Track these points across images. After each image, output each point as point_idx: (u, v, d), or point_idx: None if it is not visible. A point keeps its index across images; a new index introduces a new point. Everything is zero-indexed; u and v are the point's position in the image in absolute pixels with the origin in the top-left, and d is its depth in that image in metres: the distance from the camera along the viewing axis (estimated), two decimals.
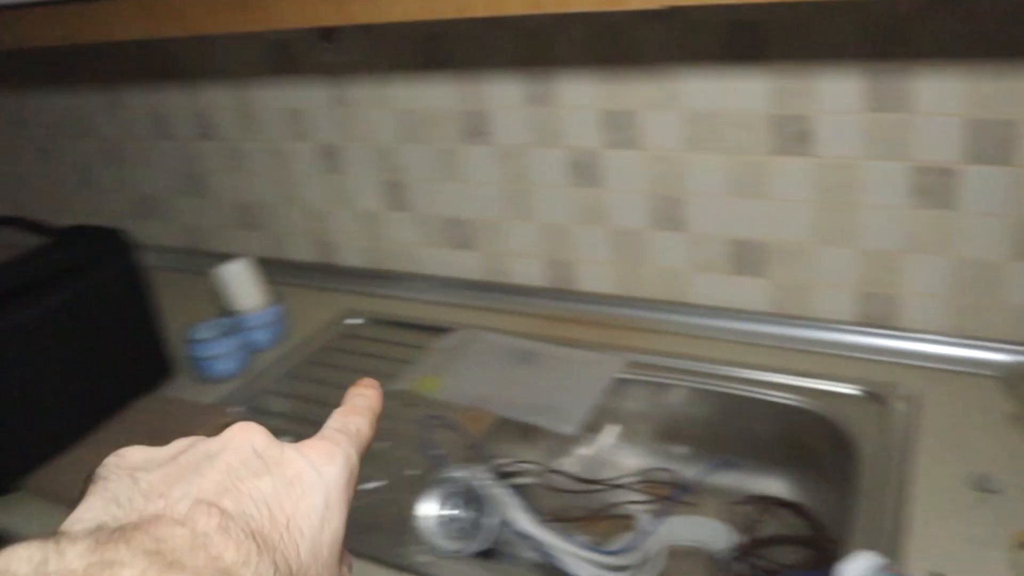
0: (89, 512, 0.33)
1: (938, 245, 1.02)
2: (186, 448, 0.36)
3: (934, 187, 0.99)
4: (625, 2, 0.74)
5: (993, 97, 0.92)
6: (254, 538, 0.32)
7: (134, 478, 0.34)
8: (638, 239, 1.17)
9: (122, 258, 1.12)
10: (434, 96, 1.22)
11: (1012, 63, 0.91)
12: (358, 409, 0.42)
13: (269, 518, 0.34)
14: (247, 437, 0.36)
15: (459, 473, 0.91)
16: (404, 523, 0.89)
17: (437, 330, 1.25)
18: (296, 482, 0.35)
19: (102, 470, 0.35)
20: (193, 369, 1.20)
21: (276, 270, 1.41)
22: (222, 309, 1.27)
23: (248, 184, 1.49)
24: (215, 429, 0.36)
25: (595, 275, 1.23)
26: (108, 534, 0.30)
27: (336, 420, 0.41)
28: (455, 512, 0.90)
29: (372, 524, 0.89)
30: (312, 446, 0.38)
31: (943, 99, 0.94)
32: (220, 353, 1.19)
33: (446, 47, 1.18)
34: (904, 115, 0.97)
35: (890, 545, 0.79)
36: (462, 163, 1.25)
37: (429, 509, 0.90)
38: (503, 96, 1.17)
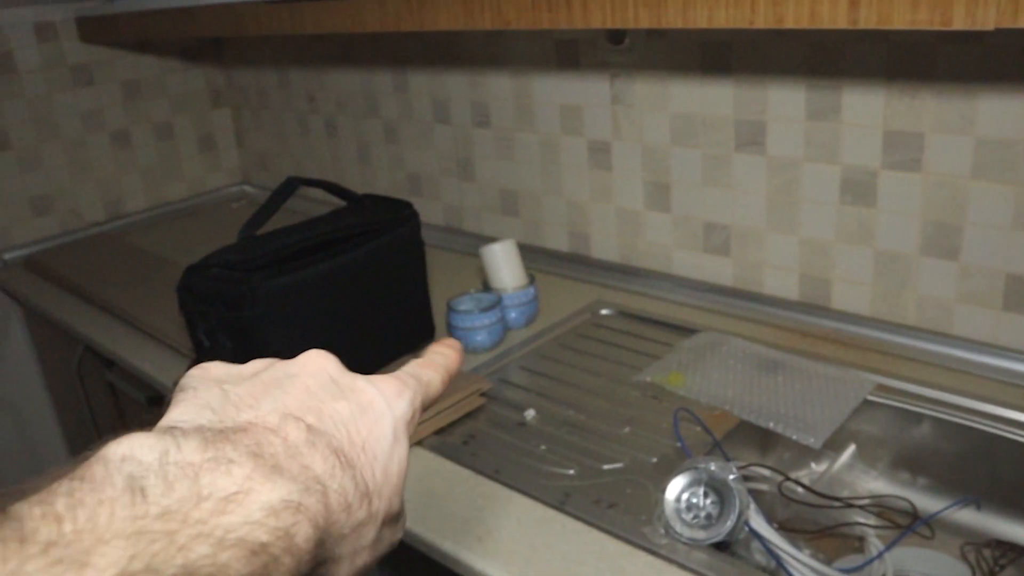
0: (185, 415, 0.34)
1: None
2: (266, 367, 0.38)
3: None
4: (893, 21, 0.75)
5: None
6: (336, 455, 0.34)
7: (223, 389, 0.36)
8: (904, 263, 1.15)
9: (409, 226, 1.23)
10: (711, 101, 1.26)
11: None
12: (434, 364, 0.44)
13: (347, 439, 0.36)
14: (322, 363, 0.38)
15: (706, 465, 0.94)
16: (642, 505, 0.93)
17: (685, 330, 1.28)
18: (369, 409, 0.37)
19: (189, 380, 0.37)
20: (451, 338, 1.29)
21: (532, 256, 1.49)
22: (483, 285, 1.37)
23: (515, 172, 1.58)
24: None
25: (852, 295, 1.22)
26: (215, 434, 0.32)
27: (412, 366, 0.43)
28: (697, 501, 0.93)
29: (611, 502, 0.94)
30: (384, 380, 0.40)
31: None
32: (478, 325, 1.27)
33: (730, 54, 1.21)
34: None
35: None
36: (731, 170, 1.28)
37: (673, 493, 0.93)
38: (781, 106, 1.19)
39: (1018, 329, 1.09)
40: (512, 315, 1.34)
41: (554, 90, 1.45)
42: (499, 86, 1.53)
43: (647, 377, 1.16)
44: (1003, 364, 1.10)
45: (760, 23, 0.83)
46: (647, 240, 1.43)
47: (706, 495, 0.93)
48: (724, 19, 0.85)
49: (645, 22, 0.90)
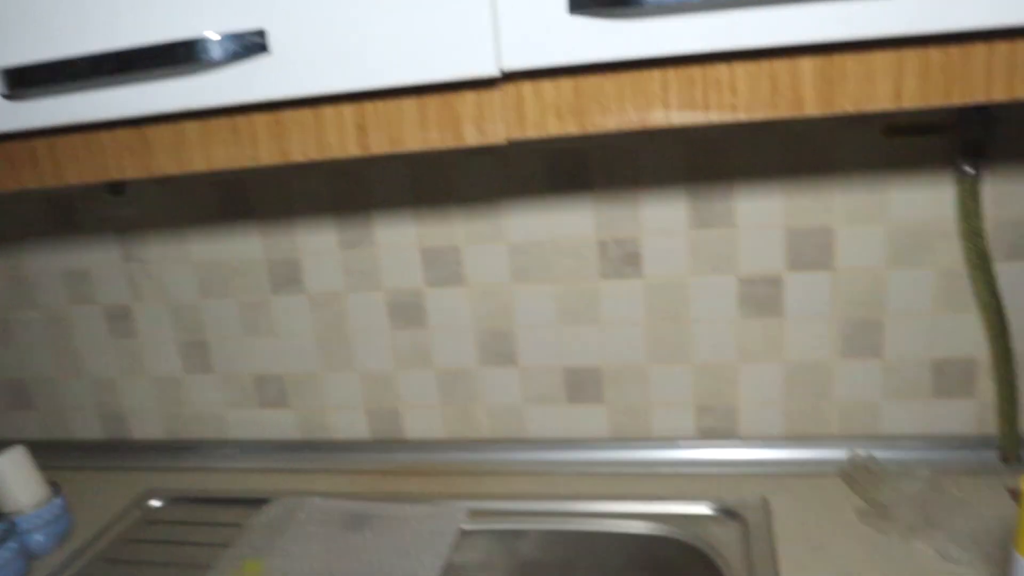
0: None
1: (769, 352, 1.04)
2: None
3: (761, 296, 1.02)
4: (462, 139, 0.72)
5: (809, 208, 0.98)
6: None
7: None
8: (467, 378, 1.12)
9: None
10: (237, 247, 1.14)
11: (822, 176, 0.97)
12: None
13: None
14: None
15: None
16: None
17: (254, 502, 1.12)
18: None
19: None
20: None
21: (56, 454, 1.25)
22: None
23: (19, 358, 1.31)
24: None
25: (424, 421, 1.16)
26: None
27: None
28: None
29: None
30: None
31: (764, 213, 0.99)
32: None
33: (249, 193, 1.11)
34: (728, 230, 1.00)
35: None
36: (272, 315, 1.16)
37: None
38: (315, 242, 1.11)
39: (586, 419, 1.11)
40: (36, 539, 1.07)
41: (53, 256, 1.23)
42: None
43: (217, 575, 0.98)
44: (580, 456, 1.10)
45: (265, 159, 0.73)
46: (193, 407, 1.25)
47: None
48: (224, 159, 0.74)
49: (133, 172, 0.77)
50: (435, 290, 1.09)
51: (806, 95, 0.64)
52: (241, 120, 0.71)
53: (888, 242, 0.97)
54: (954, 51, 0.62)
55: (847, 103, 0.65)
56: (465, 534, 1.02)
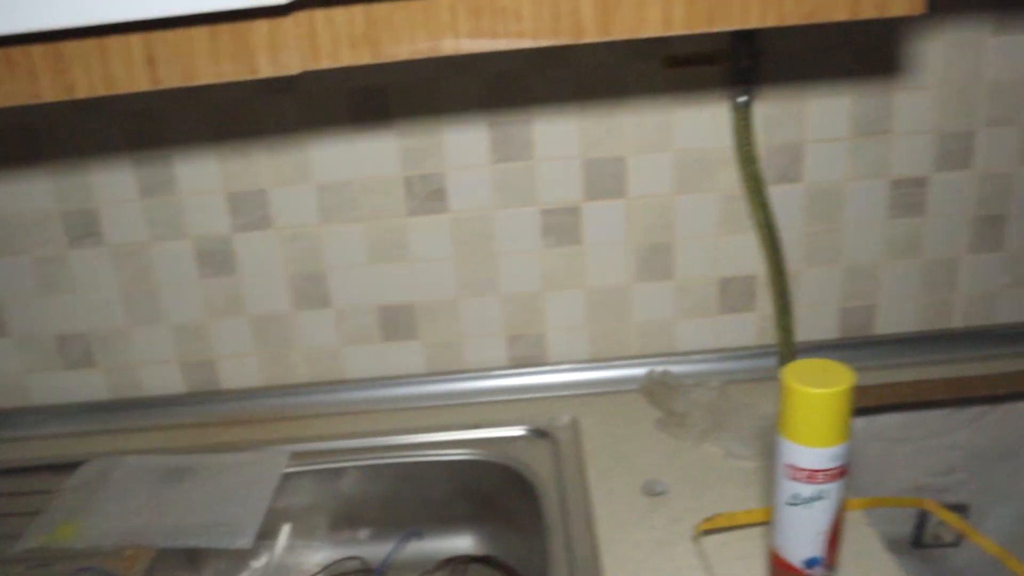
0: None
1: (572, 280, 1.10)
2: None
3: (562, 226, 1.07)
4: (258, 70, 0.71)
5: (603, 139, 1.03)
6: None
7: None
8: (282, 323, 1.12)
9: None
10: (27, 197, 1.08)
11: (615, 106, 1.02)
12: None
13: None
14: None
15: None
16: None
17: (65, 467, 1.08)
18: None
19: None
20: None
21: None
22: None
23: None
24: None
25: (240, 370, 1.15)
26: None
27: None
28: None
29: None
30: None
31: (561, 145, 1.04)
32: None
33: (38, 137, 1.06)
34: (528, 162, 1.04)
35: (590, 569, 0.81)
36: (70, 271, 1.11)
37: None
38: (113, 190, 1.07)
39: (402, 356, 1.13)
40: None
41: None
42: None
43: (30, 542, 0.94)
44: (398, 392, 1.13)
45: (48, 95, 0.70)
46: None
47: None
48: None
49: None
50: (243, 235, 1.08)
51: (585, 22, 0.68)
52: (17, 52, 0.68)
53: (675, 169, 1.05)
54: None
55: (623, 29, 0.69)
56: (288, 477, 1.03)
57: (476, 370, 1.13)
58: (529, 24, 0.68)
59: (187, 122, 1.04)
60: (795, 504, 0.71)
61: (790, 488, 0.71)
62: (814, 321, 1.12)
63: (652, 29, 0.69)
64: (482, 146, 1.03)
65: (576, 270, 1.09)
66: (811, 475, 0.69)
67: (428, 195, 1.05)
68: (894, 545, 1.30)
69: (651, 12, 0.68)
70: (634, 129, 1.03)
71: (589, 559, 0.82)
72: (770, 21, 0.69)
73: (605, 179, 1.05)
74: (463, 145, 1.03)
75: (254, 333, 1.13)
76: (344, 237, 1.07)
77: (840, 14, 0.69)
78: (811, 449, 0.69)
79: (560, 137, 1.03)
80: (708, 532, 0.84)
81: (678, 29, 0.69)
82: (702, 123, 1.03)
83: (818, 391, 0.67)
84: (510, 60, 1.00)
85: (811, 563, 0.73)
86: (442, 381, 1.13)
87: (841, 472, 0.70)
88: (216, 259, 1.09)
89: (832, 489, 0.70)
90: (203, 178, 1.06)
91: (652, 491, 0.92)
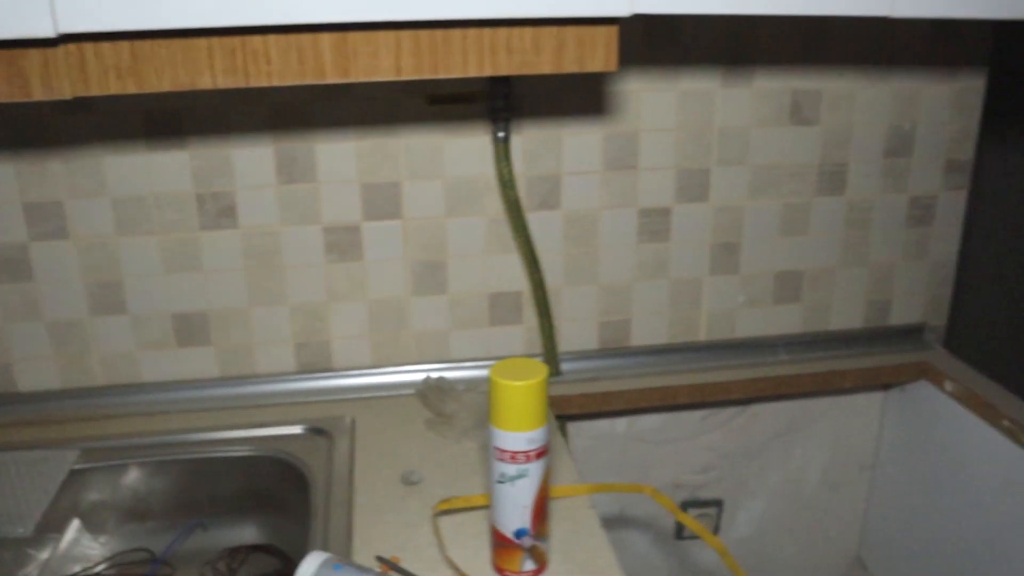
0: None
1: (355, 292, 1.20)
2: None
3: (344, 243, 1.17)
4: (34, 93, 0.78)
5: (380, 165, 1.14)
6: None
7: None
8: (79, 328, 1.17)
9: None
10: None
11: (390, 136, 1.13)
12: None
13: None
14: None
15: None
16: None
17: None
18: None
19: None
20: None
21: None
22: None
23: None
24: None
25: (37, 373, 1.19)
26: None
27: None
28: None
29: None
30: None
31: (342, 168, 1.14)
32: None
33: None
34: (312, 184, 1.14)
35: (342, 547, 0.90)
36: None
37: None
38: None
39: (196, 361, 1.20)
40: None
41: None
42: None
43: None
44: (191, 395, 1.20)
45: None
46: None
47: None
48: None
49: None
50: (41, 244, 1.13)
51: (327, 65, 0.79)
52: None
53: (445, 194, 1.16)
54: (438, 34, 0.80)
55: (360, 73, 0.80)
56: (78, 473, 1.08)
57: (266, 375, 1.21)
58: (277, 66, 0.78)
59: None
60: (502, 482, 0.83)
61: (498, 468, 0.82)
62: (576, 333, 1.26)
63: (385, 74, 0.80)
64: (269, 168, 1.12)
65: (358, 283, 1.19)
66: (513, 456, 0.81)
67: (219, 212, 1.13)
68: (659, 537, 1.46)
69: (383, 60, 0.79)
70: (407, 157, 1.14)
71: (342, 539, 0.92)
72: (487, 71, 0.81)
73: (382, 202, 1.16)
74: (252, 167, 1.12)
75: (51, 338, 1.18)
76: (140, 248, 1.14)
77: (546, 67, 0.82)
78: (512, 433, 0.81)
79: (341, 162, 1.13)
80: (445, 512, 0.95)
81: (408, 75, 0.81)
82: (469, 154, 1.15)
83: (515, 383, 0.79)
84: (294, 91, 1.10)
85: (520, 533, 0.84)
86: (234, 385, 1.20)
87: (540, 453, 0.82)
88: (12, 266, 1.14)
89: (532, 468, 0.82)
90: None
91: (409, 480, 1.02)
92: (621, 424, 1.33)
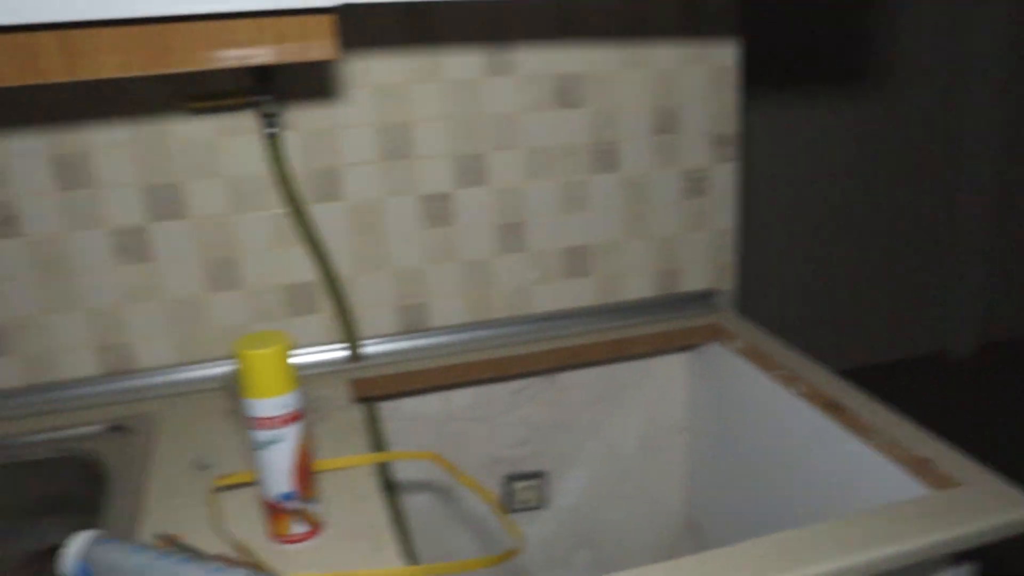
0: None
1: (152, 293, 1.23)
2: None
3: (132, 245, 1.21)
4: None
5: (159, 165, 1.19)
6: None
7: None
8: None
9: None
10: None
11: (166, 136, 1.18)
12: None
13: None
14: None
15: None
16: None
17: None
18: None
19: None
20: None
21: None
22: None
23: None
24: None
25: None
26: None
27: None
28: None
29: None
30: None
31: (120, 171, 1.17)
32: None
33: None
34: (92, 189, 1.18)
35: (126, 530, 0.94)
36: None
37: None
38: None
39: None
40: None
41: None
42: None
43: None
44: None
45: None
46: None
47: None
48: None
49: None
50: None
51: (52, 65, 0.84)
52: None
53: (231, 192, 1.22)
54: (160, 29, 0.85)
55: (87, 71, 0.86)
56: None
57: (70, 381, 1.24)
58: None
59: None
60: (260, 449, 0.88)
61: (254, 436, 0.87)
62: (376, 319, 1.32)
63: (111, 72, 0.85)
64: (47, 174, 1.16)
65: (155, 283, 1.23)
66: (263, 422, 0.86)
67: (1, 221, 1.16)
68: (489, 511, 1.52)
69: (109, 57, 0.85)
70: (184, 157, 1.19)
71: (127, 522, 0.96)
72: (214, 64, 0.87)
73: (165, 203, 1.20)
74: (29, 173, 1.15)
75: None
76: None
77: (270, 58, 0.89)
78: (260, 401, 0.86)
79: (119, 164, 1.17)
80: (227, 489, 1.00)
81: (136, 71, 0.86)
82: (246, 152, 1.21)
83: (255, 352, 0.84)
84: (69, 95, 1.13)
85: (286, 497, 0.89)
86: (36, 392, 1.22)
87: (292, 418, 0.87)
88: None
89: (287, 432, 0.87)
90: None
91: (202, 465, 1.07)
92: (433, 403, 1.40)
